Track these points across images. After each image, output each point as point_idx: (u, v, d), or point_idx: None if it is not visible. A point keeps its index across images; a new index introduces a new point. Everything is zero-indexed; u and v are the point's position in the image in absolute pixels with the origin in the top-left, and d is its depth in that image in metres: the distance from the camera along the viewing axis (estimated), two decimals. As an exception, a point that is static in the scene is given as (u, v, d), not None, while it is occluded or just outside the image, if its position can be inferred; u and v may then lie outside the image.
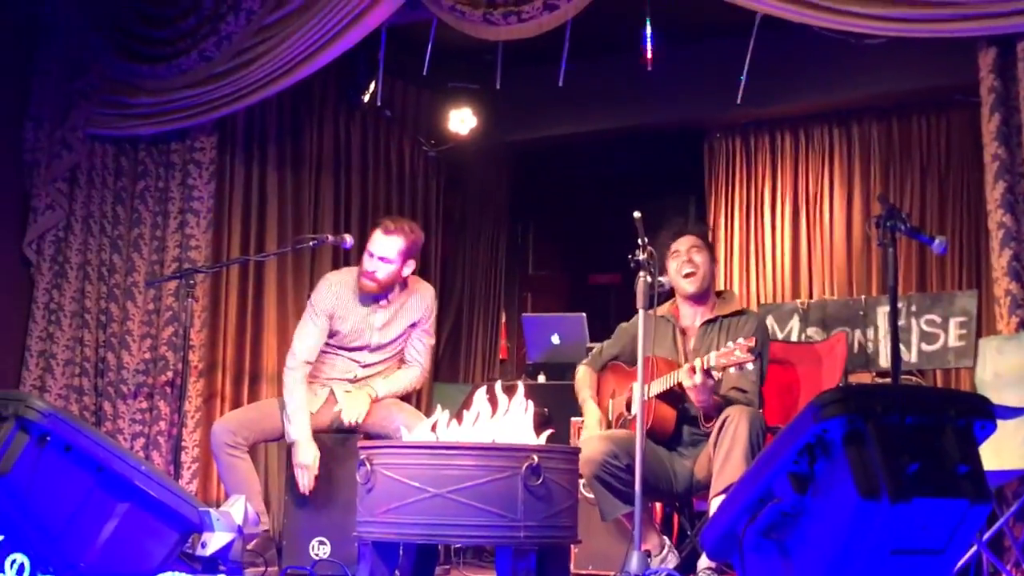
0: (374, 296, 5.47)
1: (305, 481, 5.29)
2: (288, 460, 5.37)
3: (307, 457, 5.28)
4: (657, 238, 4.92)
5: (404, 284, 5.55)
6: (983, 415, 3.11)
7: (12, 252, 6.44)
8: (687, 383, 4.63)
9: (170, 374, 6.14)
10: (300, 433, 5.30)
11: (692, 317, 5.07)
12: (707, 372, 4.59)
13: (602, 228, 8.70)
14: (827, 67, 7.03)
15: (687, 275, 4.98)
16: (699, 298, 5.04)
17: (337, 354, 5.57)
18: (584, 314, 7.03)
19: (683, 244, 5.01)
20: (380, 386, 5.51)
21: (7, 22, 6.38)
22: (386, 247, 5.36)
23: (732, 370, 4.56)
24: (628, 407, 5.05)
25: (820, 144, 7.80)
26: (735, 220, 8.04)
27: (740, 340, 4.50)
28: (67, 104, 6.40)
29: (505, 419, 4.27)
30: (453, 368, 8.50)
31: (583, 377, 5.32)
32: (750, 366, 4.56)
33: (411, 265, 5.47)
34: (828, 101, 7.50)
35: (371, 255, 5.38)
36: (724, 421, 4.55)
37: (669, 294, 5.14)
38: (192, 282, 5.77)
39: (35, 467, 3.91)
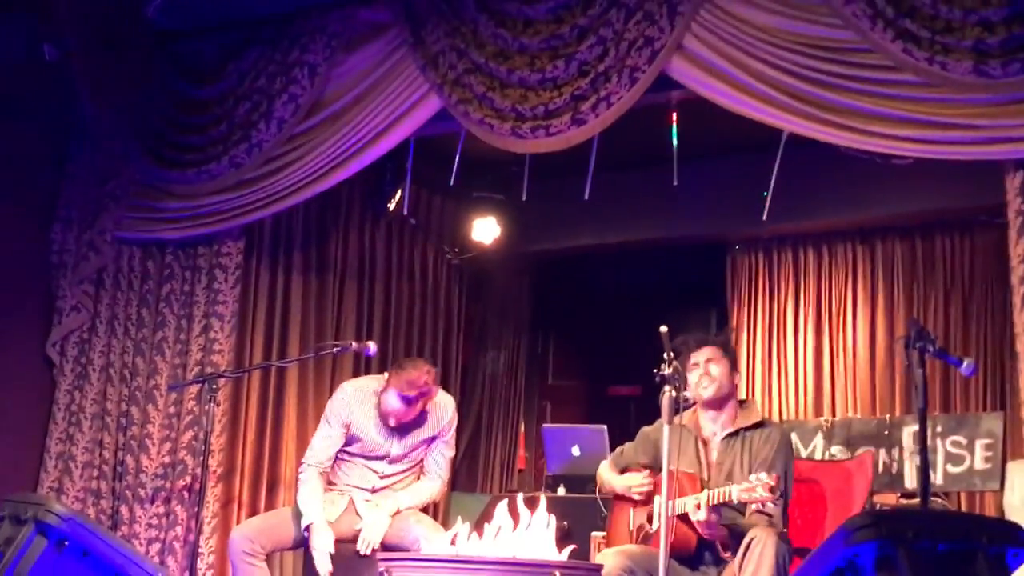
0: None
1: (322, 566, 5.21)
2: (305, 569, 5.31)
3: (321, 541, 5.22)
4: (677, 348, 4.92)
5: None
6: (1016, 543, 3.07)
7: (35, 353, 6.44)
8: (693, 517, 4.60)
9: (188, 479, 6.09)
10: (314, 516, 5.26)
11: (712, 428, 5.04)
12: (715, 508, 4.57)
13: (623, 340, 8.70)
14: (852, 185, 7.07)
15: (704, 387, 4.97)
16: (718, 405, 5.01)
17: (355, 463, 5.54)
18: (605, 427, 6.97)
19: (702, 356, 4.99)
20: (402, 499, 5.46)
21: (40, 125, 6.47)
22: (407, 410, 5.40)
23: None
24: (649, 520, 4.99)
25: (844, 261, 7.82)
26: (757, 335, 8.03)
27: (763, 476, 4.47)
28: (97, 207, 6.46)
29: (527, 533, 4.23)
30: (471, 478, 8.44)
31: (606, 472, 5.30)
32: (771, 505, 4.54)
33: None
34: (852, 218, 7.54)
35: (390, 413, 5.41)
36: (750, 543, 4.48)
37: (692, 405, 5.12)
38: (214, 387, 5.74)
39: (52, 572, 3.87)
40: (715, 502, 4.62)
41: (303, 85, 5.93)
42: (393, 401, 5.38)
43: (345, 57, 5.89)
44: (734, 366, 5.10)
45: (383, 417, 5.45)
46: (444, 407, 5.62)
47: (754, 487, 4.47)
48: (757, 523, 4.70)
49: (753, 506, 4.66)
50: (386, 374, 5.52)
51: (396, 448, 5.49)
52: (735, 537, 4.68)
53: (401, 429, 5.47)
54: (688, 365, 4.98)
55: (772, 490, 4.45)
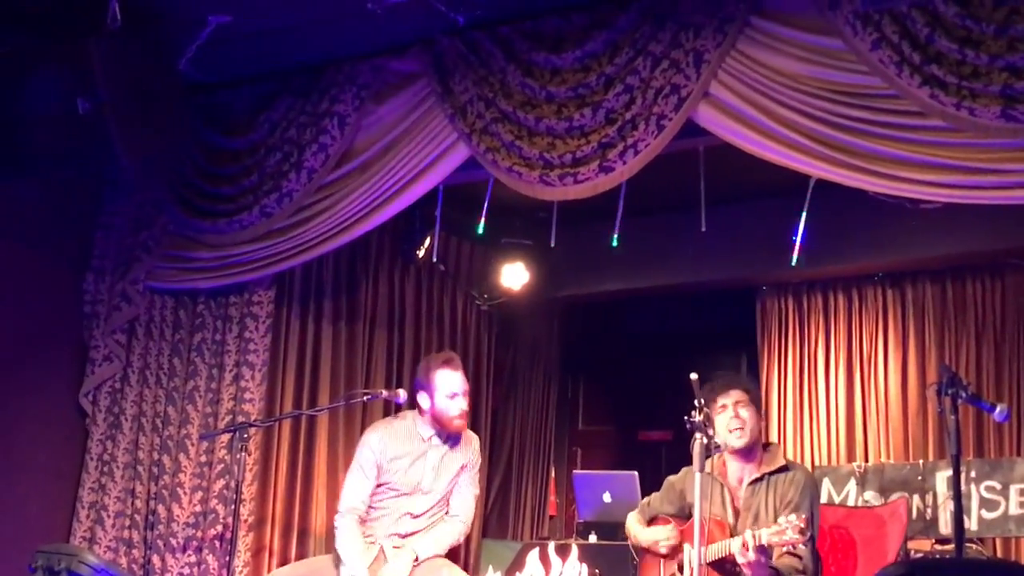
0: (436, 434, 5.49)
1: None
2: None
3: None
4: (703, 391, 4.92)
5: None
6: (1054, 591, 3.03)
7: (68, 403, 6.49)
8: (740, 559, 4.57)
9: (220, 528, 6.10)
10: (357, 570, 5.24)
11: (739, 474, 5.05)
12: (761, 548, 4.54)
13: (653, 385, 8.68)
14: (881, 229, 7.05)
15: (733, 430, 4.96)
16: (747, 454, 5.01)
17: (388, 509, 5.53)
18: (636, 473, 6.95)
19: (729, 398, 5.02)
20: (425, 547, 5.43)
21: (74, 176, 6.53)
22: (463, 380, 5.49)
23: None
24: (680, 568, 4.98)
25: (874, 305, 7.78)
26: (788, 379, 7.99)
27: (792, 518, 4.46)
28: (129, 257, 6.53)
29: (559, 583, 4.22)
30: (502, 524, 8.41)
31: (634, 524, 5.30)
32: (802, 547, 4.51)
33: None
34: (882, 262, 7.51)
35: (455, 394, 5.45)
36: (783, 590, 4.48)
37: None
38: (245, 436, 5.75)
39: (84, 624, 3.89)
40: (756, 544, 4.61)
41: (333, 135, 5.96)
42: (450, 379, 5.47)
43: (375, 107, 5.92)
44: (760, 412, 5.10)
45: (454, 429, 5.51)
46: (473, 439, 5.68)
47: (784, 529, 4.46)
48: (788, 565, 4.68)
49: (784, 548, 4.64)
50: (416, 410, 5.58)
51: (430, 478, 5.50)
52: None
53: (433, 442, 5.49)
54: (715, 408, 4.99)
55: (802, 532, 4.43)
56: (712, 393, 5.01)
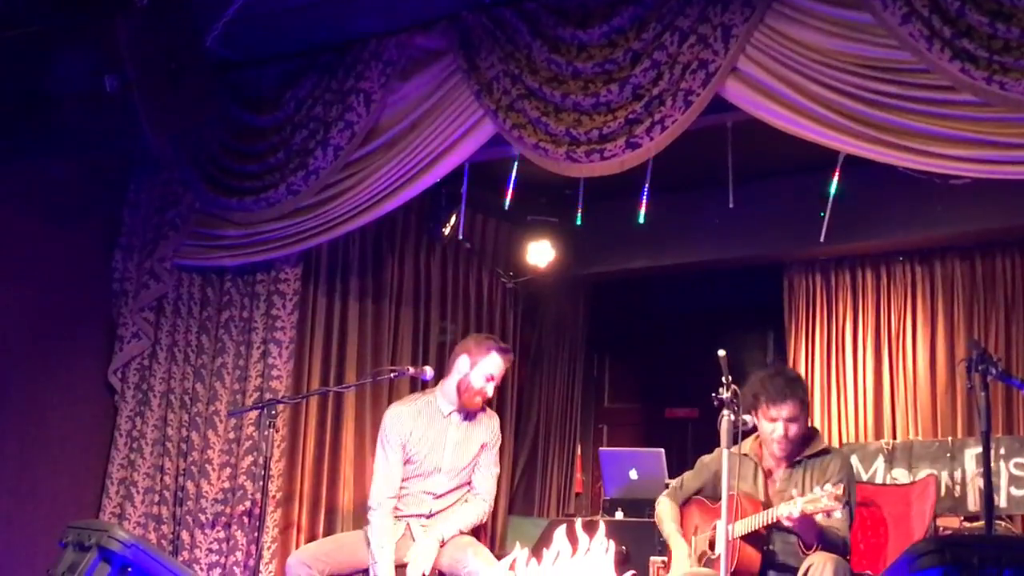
0: (456, 411, 5.50)
1: None
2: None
3: None
4: (750, 381, 4.89)
5: None
6: (1085, 569, 3.01)
7: (97, 380, 6.53)
8: (785, 512, 4.54)
9: (248, 504, 6.13)
10: (385, 569, 5.27)
11: (777, 460, 5.00)
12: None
13: (679, 362, 8.66)
14: (910, 205, 7.00)
15: (780, 446, 4.90)
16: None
17: (411, 490, 5.55)
18: (662, 450, 6.95)
19: (782, 413, 4.87)
20: (449, 528, 5.47)
21: (102, 154, 6.55)
22: (504, 368, 5.52)
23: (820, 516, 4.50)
24: (712, 546, 4.97)
25: (902, 281, 7.72)
26: (815, 356, 7.95)
27: (828, 487, 4.43)
28: (157, 235, 6.55)
29: (585, 559, 4.22)
30: (528, 501, 8.42)
31: (665, 509, 5.25)
32: (838, 513, 4.49)
33: None
34: (910, 239, 7.45)
35: (491, 378, 5.47)
36: (808, 568, 4.46)
37: (752, 429, 5.04)
38: (273, 412, 5.78)
39: (116, 599, 3.92)
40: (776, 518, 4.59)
41: (359, 112, 5.95)
42: (497, 364, 5.54)
43: (400, 84, 5.90)
44: (807, 418, 5.02)
45: (467, 403, 5.55)
46: (493, 417, 5.72)
47: (819, 498, 4.44)
48: (829, 529, 4.66)
49: (818, 517, 4.60)
50: (438, 387, 5.58)
51: (450, 457, 5.52)
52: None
53: (454, 419, 5.50)
54: (763, 410, 4.90)
55: (837, 498, 4.41)
56: (764, 395, 4.89)
